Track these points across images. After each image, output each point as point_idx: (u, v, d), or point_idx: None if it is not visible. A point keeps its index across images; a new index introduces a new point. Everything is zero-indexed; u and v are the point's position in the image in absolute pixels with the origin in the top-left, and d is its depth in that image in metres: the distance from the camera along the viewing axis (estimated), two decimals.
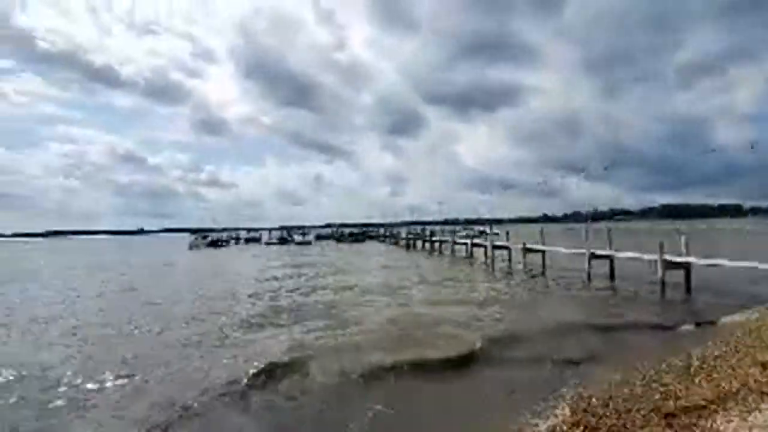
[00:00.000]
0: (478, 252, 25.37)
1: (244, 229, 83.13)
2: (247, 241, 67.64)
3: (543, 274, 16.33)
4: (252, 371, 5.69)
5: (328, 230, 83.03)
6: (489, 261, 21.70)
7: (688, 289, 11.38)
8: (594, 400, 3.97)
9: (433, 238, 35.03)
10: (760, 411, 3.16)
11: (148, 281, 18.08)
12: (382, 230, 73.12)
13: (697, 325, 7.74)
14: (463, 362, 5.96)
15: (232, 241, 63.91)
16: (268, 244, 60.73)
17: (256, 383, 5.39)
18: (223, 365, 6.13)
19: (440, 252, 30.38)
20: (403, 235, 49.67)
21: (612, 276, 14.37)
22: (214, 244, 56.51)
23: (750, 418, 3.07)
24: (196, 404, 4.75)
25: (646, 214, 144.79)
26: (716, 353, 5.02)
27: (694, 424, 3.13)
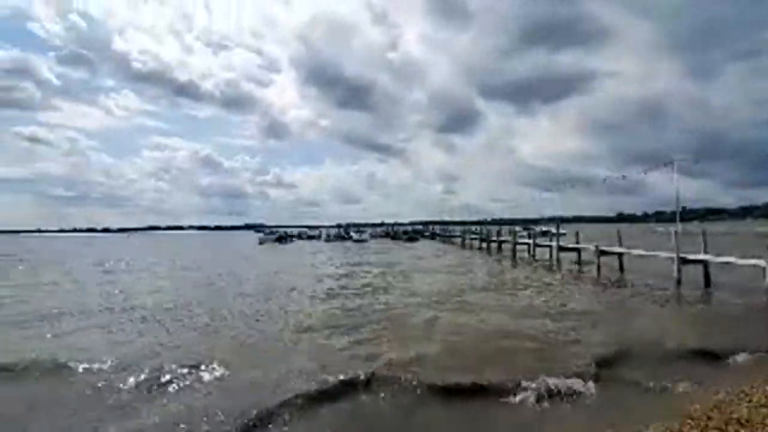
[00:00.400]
0: (542, 254, 23.49)
1: (305, 226, 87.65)
2: (309, 237, 70.93)
3: (621, 280, 14.45)
4: (329, 381, 5.18)
5: (383, 228, 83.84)
6: (555, 264, 19.94)
7: None
8: None
9: (492, 238, 33.38)
10: None
11: (235, 272, 19.68)
12: (435, 229, 71.94)
13: None
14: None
15: (295, 238, 67.50)
16: (327, 240, 63.12)
17: (329, 394, 4.92)
18: (297, 370, 5.73)
19: (499, 252, 28.79)
20: (458, 234, 48.36)
21: (707, 283, 12.28)
22: (280, 239, 60.03)
23: None
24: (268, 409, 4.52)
25: (745, 213, 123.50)
26: None
27: None
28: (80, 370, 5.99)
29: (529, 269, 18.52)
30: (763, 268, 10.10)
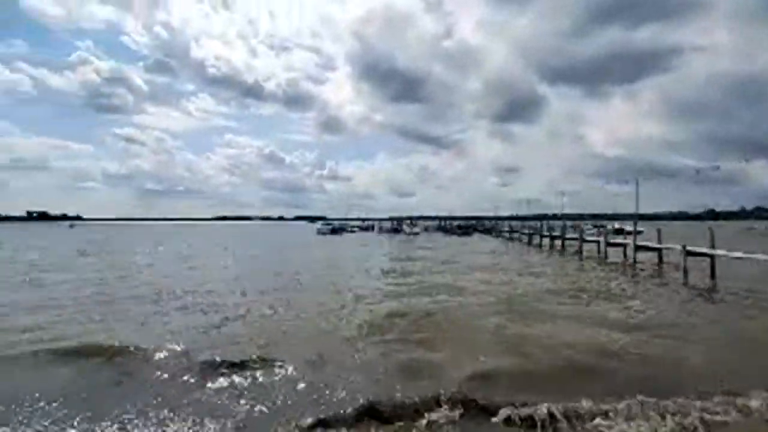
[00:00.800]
0: (616, 254, 21.02)
1: (359, 219, 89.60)
2: (362, 229, 72.40)
3: (713, 288, 12.27)
4: (387, 397, 4.61)
5: (435, 222, 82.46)
6: (631, 266, 17.67)
7: None
8: None
9: (554, 234, 30.89)
10: None
11: (297, 263, 20.48)
12: (490, 223, 68.91)
13: None
14: None
15: (349, 230, 69.30)
16: (380, 232, 63.82)
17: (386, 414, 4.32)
18: (352, 377, 5.35)
19: (564, 251, 26.48)
20: (515, 229, 45.64)
21: None
22: (335, 231, 62.01)
23: None
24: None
25: None
26: None
27: None
28: (149, 353, 6.27)
29: (600, 271, 16.56)
30: None
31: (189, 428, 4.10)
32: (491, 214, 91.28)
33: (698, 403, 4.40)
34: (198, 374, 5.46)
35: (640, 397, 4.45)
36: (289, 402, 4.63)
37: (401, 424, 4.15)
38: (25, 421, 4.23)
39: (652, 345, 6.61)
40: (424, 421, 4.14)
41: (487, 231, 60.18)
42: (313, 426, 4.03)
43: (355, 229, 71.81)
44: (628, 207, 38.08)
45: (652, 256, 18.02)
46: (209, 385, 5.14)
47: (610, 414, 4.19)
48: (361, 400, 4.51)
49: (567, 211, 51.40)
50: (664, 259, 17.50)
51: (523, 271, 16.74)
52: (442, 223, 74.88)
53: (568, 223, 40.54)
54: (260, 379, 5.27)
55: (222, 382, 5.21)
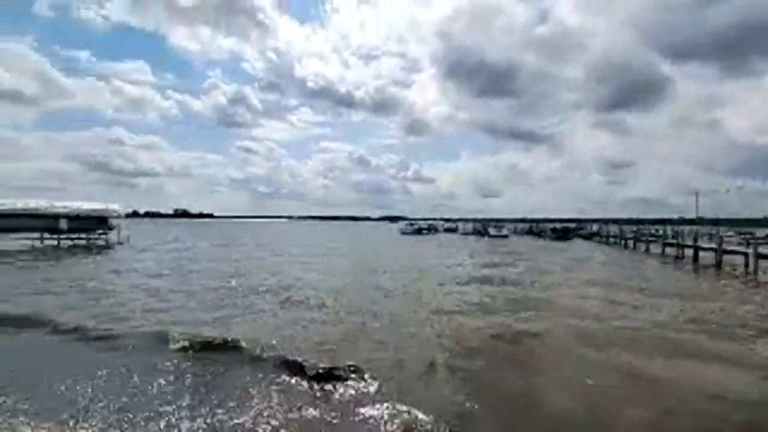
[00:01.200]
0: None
1: (442, 219, 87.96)
2: (446, 231, 70.75)
3: None
4: None
5: (525, 224, 76.09)
6: None
7: None
8: None
9: (683, 242, 25.30)
10: None
11: (388, 261, 20.72)
12: (593, 227, 60.58)
13: None
14: None
15: (433, 230, 68.37)
16: (464, 234, 61.45)
17: None
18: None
19: (695, 263, 21.38)
20: (628, 235, 38.77)
21: None
22: (419, 231, 61.81)
23: None
24: None
25: None
26: None
27: None
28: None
29: (753, 293, 12.73)
30: None
31: None
32: (595, 216, 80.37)
33: None
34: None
35: None
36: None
37: None
38: None
39: None
40: None
41: (590, 236, 52.90)
42: None
43: (439, 230, 70.52)
44: None
45: None
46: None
47: None
48: None
49: (702, 214, 42.16)
50: None
51: (645, 287, 13.63)
52: (533, 225, 68.49)
53: (701, 229, 33.00)
54: (344, 392, 4.95)
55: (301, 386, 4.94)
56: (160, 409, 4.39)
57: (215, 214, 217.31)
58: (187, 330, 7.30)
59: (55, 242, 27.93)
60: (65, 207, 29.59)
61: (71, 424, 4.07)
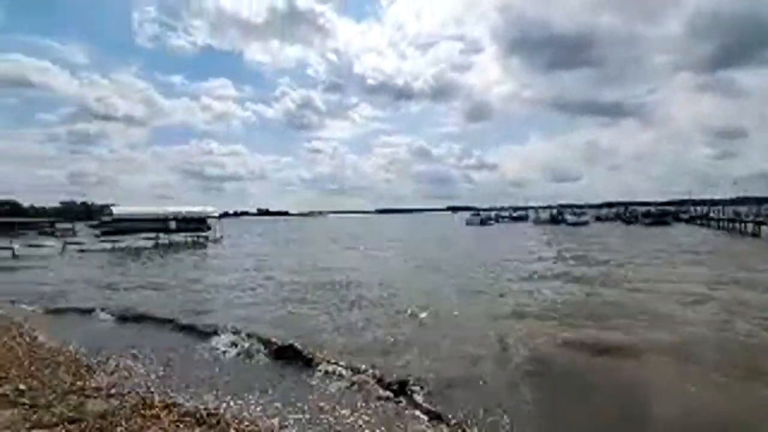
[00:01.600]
0: None
1: (510, 208, 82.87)
2: (514, 219, 66.58)
3: None
4: None
5: (610, 210, 67.95)
6: None
7: None
8: None
9: None
10: None
11: (454, 255, 20.33)
12: (698, 209, 51.60)
13: None
14: None
15: (500, 220, 64.87)
16: (536, 223, 57.16)
17: None
18: None
19: None
20: (749, 218, 31.60)
21: None
22: (485, 221, 59.23)
23: None
24: None
25: None
26: None
27: None
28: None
29: None
30: None
31: None
32: (701, 197, 68.24)
33: None
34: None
35: None
36: None
37: None
38: None
39: None
40: None
41: (693, 219, 45.19)
42: None
43: (507, 219, 66.65)
44: None
45: None
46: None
47: None
48: None
49: None
50: None
51: None
52: (624, 210, 60.51)
53: None
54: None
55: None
56: None
57: (290, 211, 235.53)
58: (265, 331, 7.21)
59: (166, 239, 32.98)
60: (172, 211, 34.93)
61: None
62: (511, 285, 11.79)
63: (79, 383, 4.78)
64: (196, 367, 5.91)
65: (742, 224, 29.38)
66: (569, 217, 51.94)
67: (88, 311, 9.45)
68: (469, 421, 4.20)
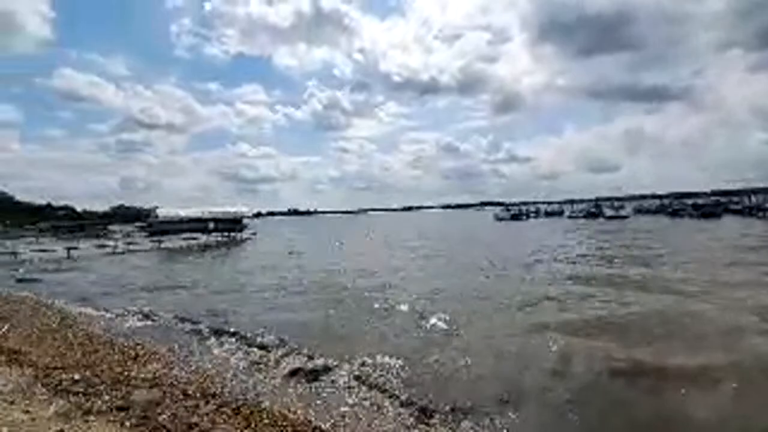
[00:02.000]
0: None
1: (543, 202, 79.63)
2: (548, 214, 63.90)
3: None
4: None
5: (654, 202, 63.53)
6: None
7: None
8: None
9: None
10: None
11: (483, 254, 19.85)
12: (756, 199, 46.97)
13: None
14: None
15: (532, 215, 62.51)
16: (571, 217, 54.47)
17: None
18: None
19: None
20: None
21: None
22: (516, 217, 57.30)
23: None
24: None
25: None
26: None
27: None
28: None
29: None
30: None
31: None
32: (759, 185, 62.12)
33: None
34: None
35: None
36: None
37: None
38: None
39: None
40: None
41: (747, 210, 41.14)
42: None
43: (539, 213, 64.08)
44: None
45: None
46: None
47: None
48: None
49: None
50: None
51: None
52: (667, 202, 56.33)
53: None
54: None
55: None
56: None
57: (319, 210, 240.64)
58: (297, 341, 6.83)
59: (205, 239, 34.65)
60: (210, 212, 36.66)
61: None
62: (549, 289, 10.32)
63: (126, 374, 5.03)
64: (234, 365, 6.05)
65: None
66: (608, 211, 49.03)
67: (135, 308, 10.01)
68: None
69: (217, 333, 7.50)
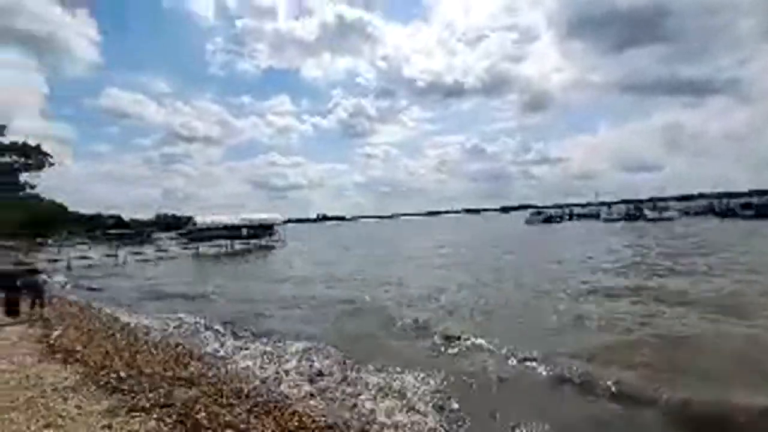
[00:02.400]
0: None
1: (577, 204, 76.19)
2: (582, 217, 61.03)
3: None
4: None
5: (700, 202, 59.13)
6: None
7: None
8: None
9: None
10: None
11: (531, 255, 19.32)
12: None
13: None
14: None
15: (566, 217, 59.92)
16: (608, 220, 51.69)
17: None
18: None
19: None
20: None
21: None
22: (548, 220, 55.17)
23: None
24: None
25: None
26: None
27: None
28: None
29: None
30: None
31: None
32: None
33: None
34: None
35: None
36: None
37: None
38: None
39: None
40: None
41: None
42: None
43: (573, 216, 61.31)
44: None
45: None
46: None
47: None
48: None
49: None
50: None
51: None
52: (718, 202, 51.98)
53: None
54: None
55: None
56: None
57: (346, 216, 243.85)
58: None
59: (239, 245, 36.02)
60: (243, 219, 38.11)
61: None
62: (588, 307, 8.71)
63: (167, 373, 5.26)
64: (264, 368, 6.18)
65: None
66: (648, 213, 46.12)
67: (174, 313, 10.49)
68: None
69: (250, 337, 7.73)
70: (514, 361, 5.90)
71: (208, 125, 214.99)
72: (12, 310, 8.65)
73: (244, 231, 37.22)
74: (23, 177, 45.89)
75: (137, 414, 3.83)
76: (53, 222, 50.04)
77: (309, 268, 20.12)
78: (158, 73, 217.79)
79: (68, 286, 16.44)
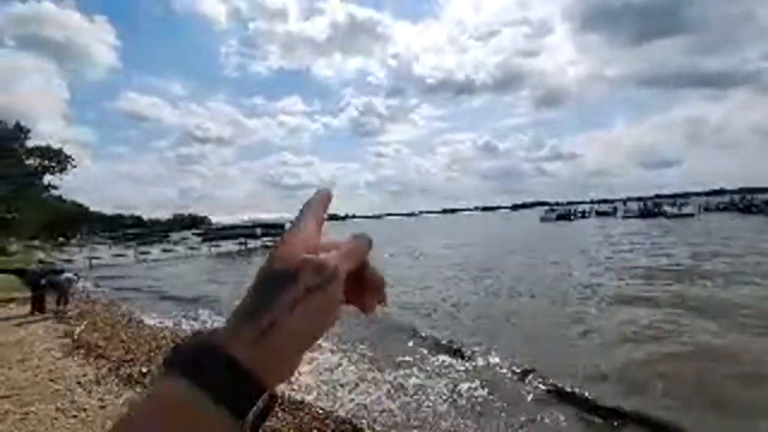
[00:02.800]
0: None
1: (593, 201, 74.58)
2: (599, 214, 59.70)
3: None
4: None
5: (724, 198, 57.03)
6: None
7: None
8: None
9: None
10: None
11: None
12: None
13: None
14: None
15: (579, 214, 58.73)
16: (625, 217, 50.38)
17: None
18: None
19: None
20: None
21: None
22: (563, 217, 54.21)
23: None
24: None
25: None
26: None
27: None
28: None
29: None
30: None
31: None
32: None
33: None
34: None
35: None
36: None
37: None
38: None
39: None
40: None
41: None
42: None
43: (589, 213, 60.03)
44: None
45: None
46: None
47: None
48: None
49: None
50: None
51: None
52: (741, 198, 50.16)
53: None
54: None
55: None
56: None
57: (357, 214, 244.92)
58: None
59: (253, 245, 36.60)
60: (257, 219, 38.78)
61: None
62: (617, 317, 7.81)
63: None
64: None
65: None
66: (668, 209, 44.74)
67: (192, 310, 10.75)
68: None
69: None
70: (513, 376, 5.35)
71: (221, 126, 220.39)
72: (38, 307, 9.02)
73: (258, 230, 37.78)
74: (46, 179, 47.73)
75: None
76: (75, 222, 51.88)
77: None
78: (174, 76, 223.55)
79: (89, 284, 17.01)
